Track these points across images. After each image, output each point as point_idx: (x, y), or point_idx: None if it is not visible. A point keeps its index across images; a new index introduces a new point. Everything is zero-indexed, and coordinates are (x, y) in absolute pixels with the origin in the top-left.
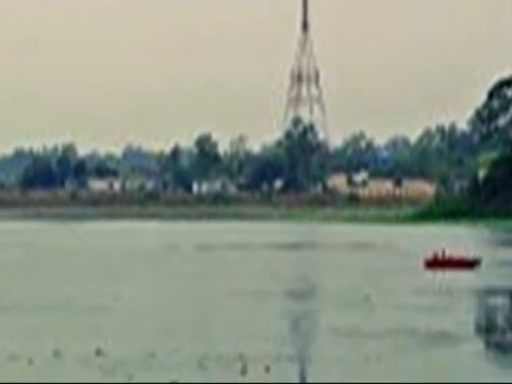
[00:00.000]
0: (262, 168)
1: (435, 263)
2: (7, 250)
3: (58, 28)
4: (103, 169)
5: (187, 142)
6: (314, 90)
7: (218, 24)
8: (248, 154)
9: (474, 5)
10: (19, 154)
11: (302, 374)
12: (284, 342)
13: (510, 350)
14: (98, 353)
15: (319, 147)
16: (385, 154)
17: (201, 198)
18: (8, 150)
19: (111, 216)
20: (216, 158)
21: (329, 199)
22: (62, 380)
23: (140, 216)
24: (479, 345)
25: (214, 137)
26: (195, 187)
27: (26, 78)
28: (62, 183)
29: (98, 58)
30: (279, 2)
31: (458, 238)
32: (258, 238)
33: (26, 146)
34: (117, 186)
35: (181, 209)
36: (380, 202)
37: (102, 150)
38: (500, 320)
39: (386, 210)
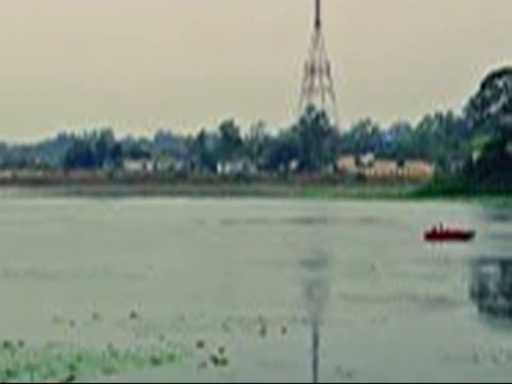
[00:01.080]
0: (279, 150)
1: (434, 236)
2: (51, 224)
3: (99, 24)
4: (137, 151)
5: (212, 127)
6: (325, 81)
7: (240, 21)
8: (267, 138)
9: (469, 4)
10: (62, 138)
11: (315, 335)
12: (299, 306)
13: (500, 312)
14: (133, 316)
15: (330, 132)
16: (389, 137)
17: (224, 177)
18: (52, 135)
19: (144, 193)
20: (238, 142)
21: (339, 178)
22: (100, 340)
23: (170, 193)
24: (473, 308)
25: (237, 122)
26: (219, 167)
27: (70, 69)
28: (101, 164)
29: (133, 52)
30: (294, 2)
31: (454, 213)
32: (276, 213)
33: (68, 130)
34: (149, 166)
35: (206, 187)
36: (384, 180)
37: (136, 135)
38: (491, 286)
39: (389, 188)
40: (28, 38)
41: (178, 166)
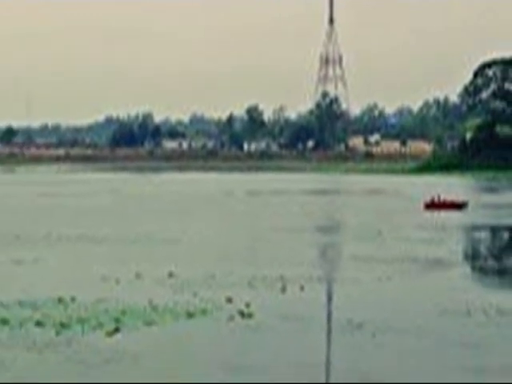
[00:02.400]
0: (297, 131)
1: (432, 205)
2: (99, 195)
3: (142, 22)
4: (174, 132)
5: (239, 111)
6: (338, 71)
7: (264, 19)
8: (287, 120)
9: (464, 4)
10: (109, 120)
11: (329, 292)
12: (315, 267)
13: (490, 272)
14: (170, 275)
15: (342, 115)
16: (393, 120)
17: (250, 155)
18: (100, 117)
19: (180, 169)
20: (262, 124)
21: (349, 155)
22: (142, 296)
23: (202, 169)
24: (466, 269)
25: (261, 107)
26: (245, 146)
27: (116, 61)
28: (142, 143)
29: (171, 47)
30: (311, 2)
31: (450, 185)
32: (295, 186)
33: (114, 114)
34: (184, 145)
35: (234, 163)
36: (389, 157)
37: (173, 117)
38: (482, 249)
39: (394, 164)
40: (82, 32)
41: (210, 144)
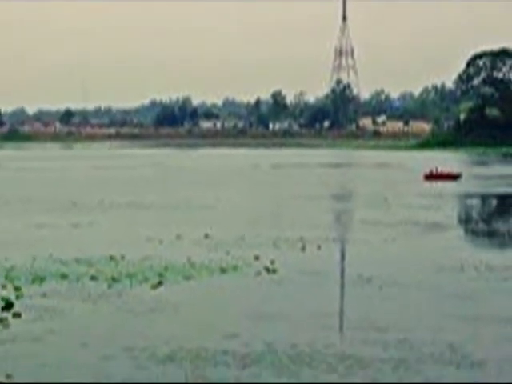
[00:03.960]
0: (315, 113)
1: (431, 176)
2: (145, 168)
3: (182, 18)
4: (209, 113)
5: (265, 95)
6: (350, 61)
7: (287, 16)
8: (306, 104)
9: (459, 4)
10: (153, 103)
11: (342, 251)
12: (330, 229)
13: (481, 234)
14: (206, 236)
15: (353, 99)
16: (397, 103)
17: (274, 133)
18: (146, 101)
19: (214, 145)
20: (285, 106)
21: (359, 134)
22: (182, 254)
23: (233, 145)
24: (460, 231)
25: (284, 92)
26: (270, 126)
27: (160, 51)
28: (182, 123)
29: (207, 39)
30: (327, 2)
31: (446, 159)
32: (313, 160)
33: (158, 97)
34: (218, 125)
35: (261, 140)
36: (394, 135)
37: (209, 101)
38: (474, 214)
39: (398, 141)
40: (132, 28)
41: (240, 124)
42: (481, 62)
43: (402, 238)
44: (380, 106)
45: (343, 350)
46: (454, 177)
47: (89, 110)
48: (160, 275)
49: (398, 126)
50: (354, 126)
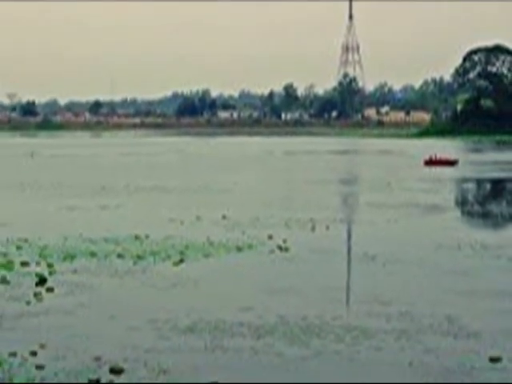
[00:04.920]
0: (324, 104)
1: (430, 162)
2: (167, 155)
3: (204, 16)
4: (226, 104)
5: (278, 88)
6: (356, 56)
7: (298, 15)
8: (316, 95)
9: (455, 5)
10: (175, 95)
11: (349, 231)
12: (337, 211)
13: (476, 215)
14: (224, 217)
15: (359, 91)
16: (399, 95)
17: (286, 123)
18: (168, 93)
19: (231, 134)
20: (296, 98)
21: (364, 123)
22: (201, 234)
23: (249, 133)
24: (457, 212)
25: (295, 84)
26: (283, 116)
27: (182, 48)
28: (201, 113)
29: (224, 36)
30: (336, 3)
31: (445, 147)
32: (321, 147)
33: (179, 90)
34: (235, 115)
35: (274, 129)
36: (396, 125)
37: (226, 93)
38: (470, 197)
39: (400, 130)
40: (156, 25)
41: (255, 114)
42: (476, 58)
43: (403, 218)
44: (383, 97)
45: (349, 322)
46: (451, 163)
47: (116, 101)
48: (181, 253)
49: (400, 116)
50: (359, 116)
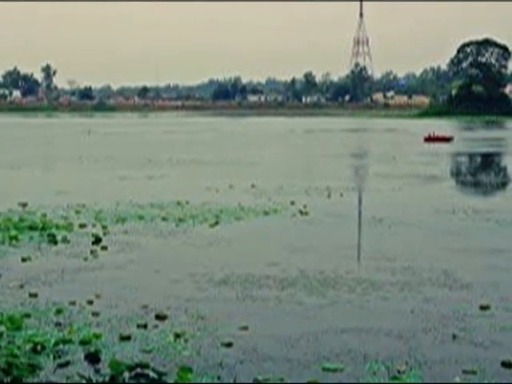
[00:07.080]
0: (338, 89)
1: (429, 139)
2: (204, 132)
3: (233, 13)
4: (255, 89)
5: (299, 75)
6: (365, 48)
7: (316, 12)
8: (331, 82)
9: (452, 4)
10: (211, 82)
11: (359, 197)
12: (350, 180)
13: (469, 184)
14: (253, 186)
15: (368, 78)
16: (403, 81)
17: (306, 105)
18: (205, 80)
19: (259, 114)
20: (314, 84)
21: (373, 106)
22: (233, 200)
23: (274, 114)
24: (452, 182)
25: (314, 72)
26: (303, 99)
27: (218, 41)
28: (233, 97)
29: (253, 30)
30: (348, 3)
31: (441, 126)
32: (336, 126)
33: (215, 77)
34: (262, 98)
35: (295, 111)
36: (400, 107)
37: (255, 80)
38: (464, 169)
39: (403, 111)
40: (196, 21)
41: (279, 98)
42: (468, 49)
43: (406, 187)
44: (389, 83)
45: (360, 275)
46: (447, 139)
47: (160, 86)
48: (216, 216)
49: (404, 99)
50: (368, 100)
